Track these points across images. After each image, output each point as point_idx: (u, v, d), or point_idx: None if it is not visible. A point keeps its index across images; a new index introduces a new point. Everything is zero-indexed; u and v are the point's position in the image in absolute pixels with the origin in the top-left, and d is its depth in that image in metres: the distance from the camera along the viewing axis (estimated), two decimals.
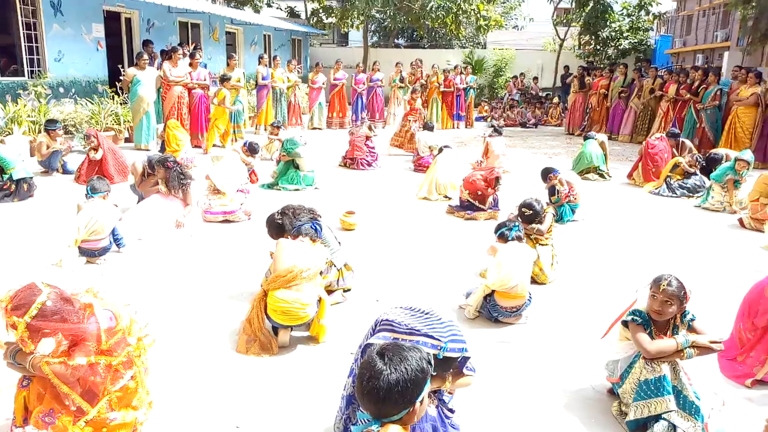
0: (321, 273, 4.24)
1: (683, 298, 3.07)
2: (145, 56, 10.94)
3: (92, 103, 11.24)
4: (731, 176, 7.86)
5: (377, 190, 8.72)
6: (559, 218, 6.92)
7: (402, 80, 16.82)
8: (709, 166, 8.93)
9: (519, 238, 4.53)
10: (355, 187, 8.86)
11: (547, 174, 7.12)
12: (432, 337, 2.43)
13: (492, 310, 4.30)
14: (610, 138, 13.07)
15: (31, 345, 2.48)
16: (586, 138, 10.44)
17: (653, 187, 9.10)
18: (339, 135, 14.06)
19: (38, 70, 11.24)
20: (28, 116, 10.06)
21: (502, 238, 4.53)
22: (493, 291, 4.26)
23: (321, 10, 23.84)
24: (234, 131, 11.99)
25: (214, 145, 11.35)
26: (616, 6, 23.23)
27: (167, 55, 11.35)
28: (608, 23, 22.70)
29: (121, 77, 11.41)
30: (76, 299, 2.64)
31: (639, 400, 3.00)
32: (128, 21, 13.81)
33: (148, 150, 10.50)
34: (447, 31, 23.42)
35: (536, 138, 15.67)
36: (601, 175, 9.95)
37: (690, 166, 9.05)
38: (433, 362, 2.09)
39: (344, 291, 4.67)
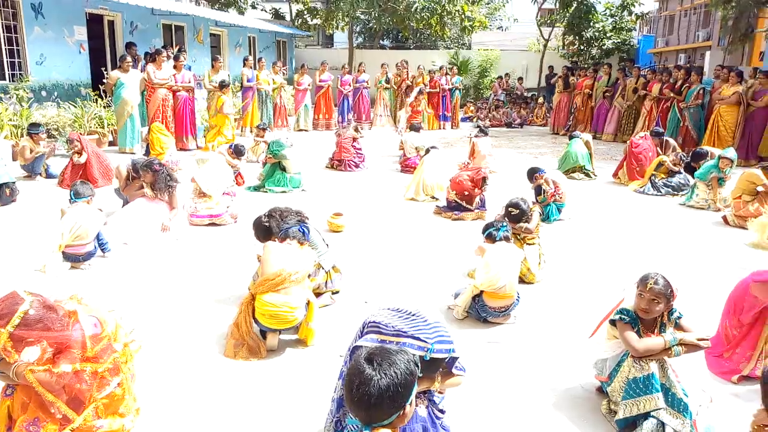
0: (309, 276, 4.23)
1: (670, 297, 3.08)
2: (129, 59, 10.85)
3: (75, 107, 11.12)
4: (715, 174, 7.94)
5: (364, 192, 8.70)
6: (546, 218, 6.96)
7: (388, 81, 16.84)
8: (694, 160, 9.03)
9: (507, 239, 4.54)
10: (342, 189, 8.84)
11: (533, 174, 7.16)
12: (418, 338, 2.43)
13: (480, 311, 4.31)
14: (594, 137, 13.17)
15: (15, 354, 2.44)
16: (571, 137, 10.51)
17: (638, 185, 9.18)
18: (325, 136, 14.04)
19: (20, 74, 11.11)
20: (10, 120, 9.94)
21: (490, 238, 4.54)
22: (482, 291, 4.27)
23: (306, 12, 23.78)
24: None
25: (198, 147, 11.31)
26: (599, 6, 23.42)
27: (151, 57, 11.27)
28: (592, 23, 22.87)
29: (104, 80, 11.31)
30: (59, 306, 2.60)
31: (628, 399, 3.01)
32: (111, 23, 13.68)
33: (132, 153, 10.42)
34: (432, 32, 23.47)
35: (522, 138, 15.75)
36: (587, 174, 10.01)
37: (674, 164, 9.13)
38: (419, 364, 2.08)
39: (333, 293, 4.66)
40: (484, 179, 7.36)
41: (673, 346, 2.99)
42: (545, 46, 23.71)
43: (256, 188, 8.50)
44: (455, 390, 3.03)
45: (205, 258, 5.63)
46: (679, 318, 3.14)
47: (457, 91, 17.67)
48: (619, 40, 23.23)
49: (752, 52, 24.24)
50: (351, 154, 10.35)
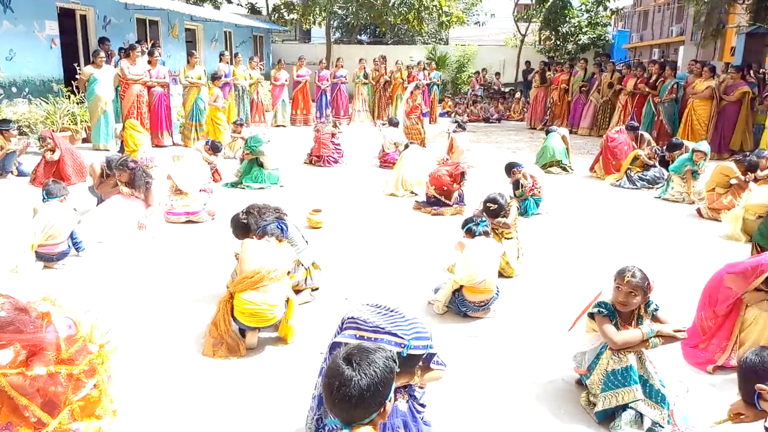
0: (288, 273, 4.20)
1: (647, 289, 3.12)
2: (102, 54, 10.67)
3: (47, 103, 10.89)
4: (689, 167, 8.07)
5: (343, 187, 8.68)
6: (524, 212, 7.00)
7: (366, 77, 16.80)
8: (670, 150, 9.16)
9: (486, 233, 4.55)
10: (321, 185, 8.80)
11: (510, 168, 7.20)
12: (396, 335, 2.43)
13: (461, 305, 4.32)
14: (571, 132, 13.28)
15: None
16: (548, 132, 10.59)
17: (614, 179, 9.28)
18: (303, 132, 13.96)
19: None
20: None
21: (470, 233, 4.55)
22: (462, 286, 4.28)
23: (282, 7, 23.59)
24: (196, 129, 11.80)
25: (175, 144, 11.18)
26: (574, 2, 23.60)
27: (125, 52, 11.09)
28: (567, 19, 23.06)
29: (77, 76, 11.10)
30: (32, 308, 2.55)
31: (607, 391, 3.04)
32: (83, 18, 13.42)
33: (107, 150, 10.25)
34: (409, 27, 23.45)
35: (499, 133, 15.83)
36: (564, 169, 10.10)
37: (649, 158, 9.26)
38: (397, 360, 2.09)
39: (312, 290, 4.63)
40: (462, 174, 7.38)
41: (651, 338, 3.03)
42: (522, 41, 23.85)
43: (234, 185, 8.43)
44: (436, 384, 3.04)
45: (182, 256, 5.56)
46: (655, 310, 3.19)
47: (436, 87, 17.69)
48: (594, 36, 23.47)
49: (724, 47, 24.67)
50: (330, 150, 10.31)
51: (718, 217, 6.99)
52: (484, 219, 4.73)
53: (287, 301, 3.90)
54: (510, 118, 19.00)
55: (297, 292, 4.40)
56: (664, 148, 9.55)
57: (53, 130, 9.23)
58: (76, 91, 11.36)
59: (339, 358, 1.94)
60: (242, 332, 3.84)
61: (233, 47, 20.64)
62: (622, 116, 13.73)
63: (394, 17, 21.50)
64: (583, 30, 23.30)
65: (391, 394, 1.98)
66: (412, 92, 12.48)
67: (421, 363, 2.62)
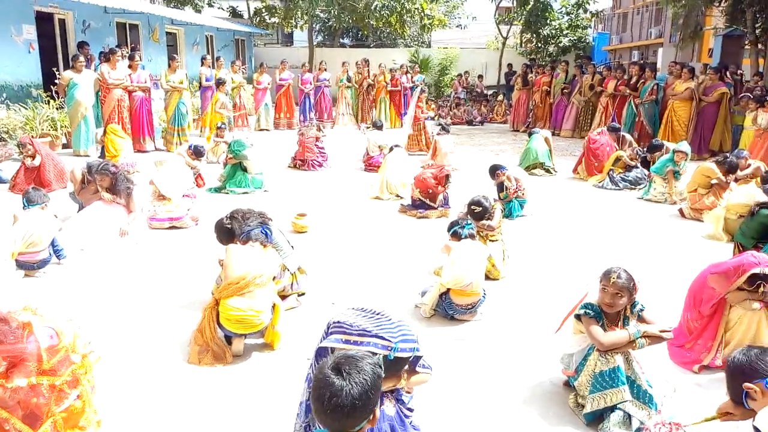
0: (274, 278, 4.17)
1: (632, 290, 3.14)
2: (82, 58, 10.54)
3: (26, 108, 10.72)
4: (671, 168, 8.15)
5: (328, 191, 8.64)
6: (509, 214, 7.03)
7: (349, 80, 16.78)
8: (651, 152, 9.25)
9: (472, 236, 4.56)
10: (305, 189, 8.76)
11: (494, 171, 7.21)
12: (383, 338, 2.41)
13: (448, 308, 4.32)
14: (553, 134, 13.37)
15: None
16: (530, 134, 10.65)
17: (597, 180, 9.36)
18: (287, 136, 13.90)
19: None
20: None
21: (456, 236, 4.55)
22: (449, 289, 4.28)
23: (264, 10, 23.50)
24: (179, 134, 11.70)
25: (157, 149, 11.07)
26: (555, 4, 23.81)
27: (105, 57, 10.97)
28: (548, 21, 23.25)
29: (56, 81, 10.95)
30: (12, 318, 2.49)
31: (595, 392, 3.05)
32: (62, 22, 13.24)
33: (87, 156, 10.11)
34: (392, 30, 23.48)
35: (483, 135, 15.89)
36: (547, 171, 10.16)
37: (631, 159, 9.35)
38: (383, 364, 2.08)
39: (299, 295, 4.60)
40: (447, 177, 7.39)
41: (637, 338, 3.04)
42: (504, 44, 24.00)
43: (217, 190, 8.36)
44: (424, 388, 3.02)
45: (166, 263, 5.49)
46: (641, 311, 3.21)
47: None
48: (575, 38, 23.68)
49: (701, 48, 25.05)
50: (314, 154, 10.27)
51: (701, 217, 7.07)
52: (469, 222, 4.73)
53: (273, 306, 3.87)
54: (493, 120, 19.08)
55: (283, 297, 4.37)
56: (646, 149, 9.65)
57: (33, 136, 9.09)
58: (55, 96, 11.19)
59: (327, 368, 1.92)
60: (228, 339, 3.80)
61: (215, 51, 20.51)
62: (604, 118, 13.84)
63: (377, 20, 21.51)
64: (564, 32, 23.50)
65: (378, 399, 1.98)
66: (419, 98, 12.45)
67: (407, 366, 2.61)
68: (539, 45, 23.95)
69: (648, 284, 4.11)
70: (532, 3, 22.91)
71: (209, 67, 13.93)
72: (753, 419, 2.15)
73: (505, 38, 24.09)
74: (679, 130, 12.06)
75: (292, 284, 4.56)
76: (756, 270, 3.52)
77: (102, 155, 9.40)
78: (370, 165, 10.07)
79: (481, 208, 5.16)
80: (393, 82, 16.75)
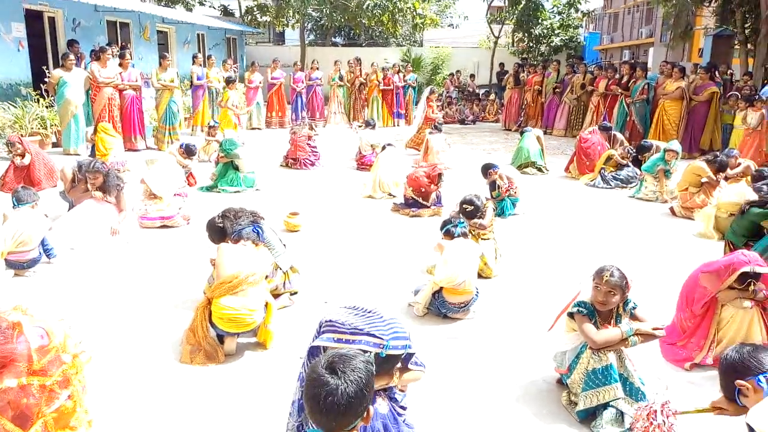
0: (266, 277, 4.15)
1: (625, 288, 3.15)
2: (72, 57, 10.45)
3: (15, 107, 10.63)
4: (662, 167, 8.19)
5: (321, 190, 8.63)
6: (501, 212, 7.04)
7: (341, 79, 16.75)
8: (640, 153, 9.31)
9: (465, 235, 4.56)
10: (297, 188, 8.74)
11: (487, 170, 7.22)
12: (374, 335, 2.42)
13: (441, 307, 4.32)
14: (545, 133, 13.41)
15: None
16: (522, 133, 10.67)
17: (589, 179, 9.39)
18: (279, 135, 13.86)
19: None
20: None
21: (448, 234, 4.55)
22: (441, 288, 4.28)
23: (255, 9, 23.41)
24: (170, 133, 11.64)
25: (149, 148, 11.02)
26: (546, 4, 23.88)
27: (96, 55, 10.89)
28: (540, 21, 23.31)
29: (46, 79, 10.86)
30: (2, 318, 2.47)
31: (588, 390, 3.06)
32: (52, 20, 13.13)
33: (77, 155, 10.04)
34: (384, 29, 23.46)
35: (474, 134, 15.90)
36: (539, 169, 10.18)
37: (622, 158, 9.39)
38: (374, 362, 2.08)
39: (291, 294, 4.59)
40: (440, 175, 7.40)
41: (630, 336, 3.05)
42: (495, 43, 24.05)
43: (209, 188, 8.32)
44: (418, 386, 3.03)
45: (158, 262, 5.46)
46: (633, 308, 3.22)
47: (411, 89, 17.74)
48: (566, 37, 23.75)
49: (692, 48, 25.20)
50: (306, 153, 10.24)
51: (691, 216, 7.11)
52: (462, 220, 4.74)
53: (266, 305, 3.85)
54: (485, 119, 19.11)
55: (276, 296, 4.35)
56: (635, 149, 9.70)
57: (22, 135, 9.01)
58: (45, 94, 11.11)
59: (320, 367, 1.92)
60: (220, 338, 3.78)
61: (206, 49, 20.41)
62: (595, 117, 13.90)
63: (369, 19, 21.48)
64: (556, 32, 23.57)
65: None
66: (428, 98, 12.41)
67: (399, 364, 2.60)
68: (531, 44, 24.01)
69: (640, 282, 4.12)
70: (523, 2, 22.97)
71: (200, 65, 13.86)
72: (746, 416, 2.16)
73: (497, 37, 24.13)
74: (670, 129, 12.13)
75: (284, 283, 4.54)
76: (746, 269, 3.55)
77: (92, 154, 9.33)
78: (363, 164, 10.06)
79: (472, 207, 5.16)
80: (385, 81, 16.73)
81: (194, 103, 13.79)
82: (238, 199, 7.71)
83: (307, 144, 10.30)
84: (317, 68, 16.72)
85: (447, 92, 20.25)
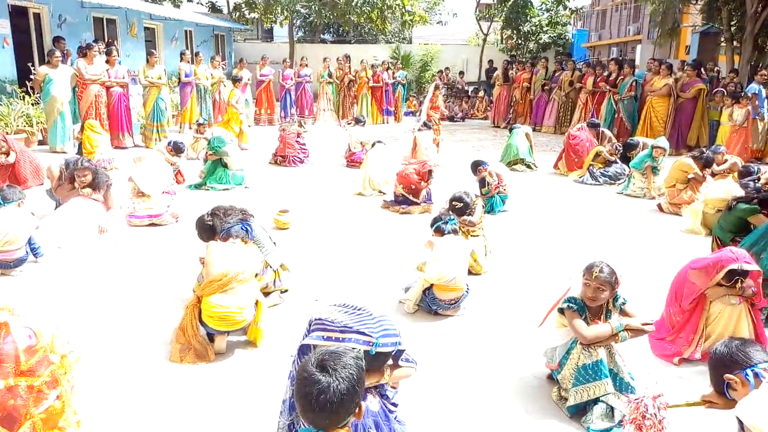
0: (257, 275, 4.14)
1: (615, 284, 3.16)
2: (58, 53, 10.34)
3: (0, 105, 10.51)
4: (649, 163, 8.25)
5: (310, 187, 8.60)
6: (491, 209, 7.06)
7: (330, 76, 16.70)
8: (627, 150, 9.37)
9: (455, 232, 4.57)
10: (287, 185, 8.71)
11: (476, 167, 7.24)
12: (364, 333, 2.41)
13: (431, 303, 4.32)
14: (534, 129, 13.47)
15: None
16: (511, 130, 10.70)
17: (578, 175, 9.44)
18: (268, 132, 13.81)
19: None
20: None
21: (439, 231, 4.55)
22: (432, 284, 4.28)
23: (243, 5, 23.28)
24: (158, 130, 11.56)
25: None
26: (535, 1, 23.92)
27: (82, 52, 10.79)
28: (528, 18, 23.36)
29: (32, 76, 10.74)
30: None
31: (578, 385, 3.08)
32: (37, 16, 12.99)
33: (64, 152, 9.95)
34: (373, 26, 23.42)
35: (464, 131, 15.93)
36: (528, 166, 10.22)
37: (610, 154, 9.44)
38: (364, 359, 2.08)
39: (282, 292, 4.57)
40: (430, 172, 7.40)
41: (620, 331, 3.07)
42: (484, 40, 24.06)
43: (198, 186, 8.27)
44: (409, 383, 3.02)
45: (146, 260, 5.42)
46: (623, 304, 3.24)
47: (401, 86, 17.73)
48: (555, 35, 23.83)
49: (679, 45, 25.38)
50: (295, 150, 10.21)
51: (679, 212, 7.17)
52: (452, 217, 4.74)
53: (256, 303, 3.83)
54: (474, 116, 19.14)
55: (266, 294, 4.34)
56: (623, 146, 9.76)
57: (7, 133, 8.91)
58: (30, 91, 11.00)
59: (311, 366, 1.92)
60: (210, 337, 3.76)
61: (194, 46, 20.28)
62: (583, 114, 13.97)
63: (357, 16, 21.44)
64: (544, 29, 23.64)
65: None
66: (433, 93, 12.38)
67: (390, 361, 2.60)
68: (519, 41, 24.07)
69: (628, 277, 4.15)
70: (512, 0, 22.99)
71: (188, 62, 13.77)
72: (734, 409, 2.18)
73: (486, 35, 24.15)
74: (658, 125, 12.21)
75: (274, 281, 4.53)
76: (734, 266, 3.58)
77: (79, 152, 9.25)
78: (352, 161, 10.04)
79: (462, 204, 5.17)
80: (375, 78, 16.71)
81: (182, 100, 13.70)
82: (227, 196, 7.67)
83: (296, 141, 10.27)
84: (306, 65, 16.67)
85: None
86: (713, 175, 7.71)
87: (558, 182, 9.41)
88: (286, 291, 4.61)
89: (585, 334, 3.08)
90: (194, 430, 2.99)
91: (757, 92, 11.01)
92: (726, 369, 2.27)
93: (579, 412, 3.11)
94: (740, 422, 2.12)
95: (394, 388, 2.75)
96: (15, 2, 12.02)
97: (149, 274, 5.05)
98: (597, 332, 3.09)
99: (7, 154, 7.76)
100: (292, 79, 16.22)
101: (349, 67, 16.95)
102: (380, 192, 8.11)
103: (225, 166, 8.32)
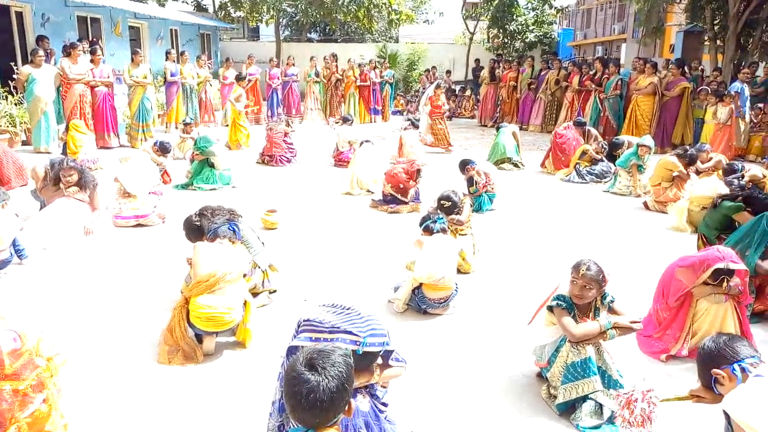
0: (245, 275, 4.11)
1: (602, 282, 3.18)
2: (41, 53, 10.22)
3: None
4: (635, 161, 8.31)
5: (298, 187, 8.57)
6: (478, 208, 7.08)
7: (317, 75, 16.66)
8: (612, 149, 9.43)
9: (444, 231, 4.57)
10: (274, 185, 8.68)
11: (464, 165, 7.26)
12: (351, 332, 2.41)
13: (420, 302, 4.32)
14: (521, 128, 13.50)
15: None
16: (498, 129, 10.74)
17: (564, 174, 9.49)
18: (255, 131, 13.72)
19: None
20: None
21: (428, 230, 4.55)
22: (421, 283, 4.28)
23: (229, 4, 23.14)
24: (143, 130, 11.47)
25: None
26: (521, 0, 24.01)
27: (66, 51, 10.67)
28: (514, 17, 23.43)
29: (14, 76, 10.61)
30: None
31: (567, 383, 3.09)
32: (19, 15, 12.83)
33: (48, 153, 9.83)
34: (359, 25, 23.39)
35: (451, 130, 15.84)
36: (515, 165, 10.26)
37: (596, 153, 9.51)
38: (352, 357, 2.08)
39: (270, 293, 4.55)
40: (418, 171, 7.41)
41: (608, 329, 3.09)
42: (471, 39, 24.12)
43: (184, 186, 8.22)
44: (399, 382, 3.02)
45: (133, 261, 5.37)
46: (611, 302, 3.26)
47: (388, 85, 17.71)
48: (540, 33, 23.92)
49: (663, 44, 25.59)
50: (282, 149, 10.17)
51: (665, 209, 7.23)
52: (441, 216, 4.74)
53: (244, 303, 3.82)
54: (461, 115, 19.18)
55: (254, 295, 4.32)
56: (608, 144, 9.83)
57: None
58: (13, 91, 10.86)
59: (299, 365, 1.91)
60: (199, 338, 3.74)
61: (179, 45, 20.13)
62: (570, 113, 14.04)
63: (344, 15, 21.41)
64: (530, 28, 23.72)
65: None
66: (434, 91, 12.37)
67: (380, 360, 2.60)
68: (506, 40, 24.13)
69: (615, 274, 4.18)
70: None
71: (174, 61, 13.67)
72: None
73: (472, 33, 24.20)
74: (643, 124, 12.30)
75: (263, 282, 4.51)
76: (720, 265, 3.61)
77: (64, 152, 9.15)
78: (340, 160, 10.02)
79: (450, 203, 5.18)
80: (362, 77, 16.68)
81: (168, 100, 13.60)
82: (214, 196, 7.63)
83: (284, 140, 10.24)
84: (293, 64, 16.61)
85: (423, 88, 20.28)
86: (698, 172, 7.79)
87: (545, 181, 9.45)
88: (274, 291, 4.60)
89: (573, 331, 3.10)
90: None
91: (739, 91, 11.14)
92: (714, 364, 2.30)
93: (568, 409, 3.13)
94: (727, 416, 2.14)
95: (384, 387, 2.75)
96: None
97: (136, 276, 5.01)
98: (585, 330, 3.10)
99: None
100: (278, 78, 16.15)
101: (336, 66, 16.92)
102: (368, 191, 8.10)
103: (212, 166, 8.28)
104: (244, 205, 6.28)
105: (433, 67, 21.60)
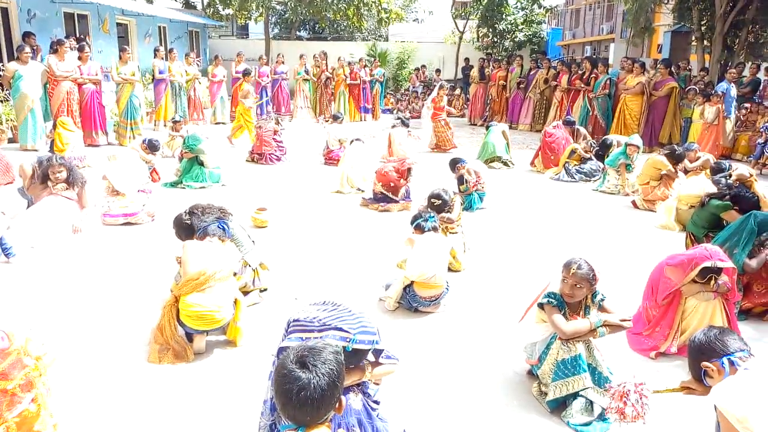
0: (235, 274, 4.10)
1: (593, 280, 3.20)
2: (27, 49, 10.11)
3: None
4: (623, 160, 8.37)
5: (288, 185, 8.55)
6: (469, 206, 7.10)
7: (307, 73, 16.63)
8: (602, 149, 9.49)
9: (435, 229, 4.58)
10: (264, 183, 8.65)
11: (454, 164, 7.28)
12: (341, 329, 2.41)
13: (412, 300, 4.33)
14: (511, 127, 13.55)
15: None
16: (488, 128, 10.77)
17: (554, 173, 9.54)
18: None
19: None
20: None
21: (419, 229, 4.56)
22: (412, 282, 4.29)
23: (218, 1, 23.02)
24: (131, 128, 11.40)
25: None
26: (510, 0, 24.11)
27: (53, 48, 10.57)
28: (504, 16, 23.52)
29: (0, 73, 10.49)
30: None
31: (557, 380, 3.11)
32: (4, 11, 12.69)
33: (35, 150, 9.74)
34: (349, 23, 23.36)
35: None
36: (505, 164, 10.29)
37: (585, 151, 9.56)
38: (342, 354, 2.08)
39: (261, 291, 4.53)
40: (409, 170, 7.41)
41: (598, 327, 3.11)
42: (460, 38, 24.17)
43: (174, 184, 8.17)
44: (390, 380, 3.02)
45: (122, 260, 5.33)
46: (602, 300, 3.27)
47: (378, 84, 17.70)
48: (530, 33, 24.02)
49: (651, 44, 25.79)
50: (272, 147, 10.14)
51: (653, 208, 7.29)
52: (432, 214, 4.75)
53: (235, 302, 3.80)
54: (450, 114, 19.16)
55: (245, 293, 4.30)
56: (598, 144, 9.89)
57: None
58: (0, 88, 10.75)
59: (290, 362, 1.90)
60: (189, 336, 3.72)
61: (168, 43, 20.00)
62: (559, 112, 14.11)
63: (334, 13, 21.37)
64: (519, 27, 23.81)
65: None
66: (438, 93, 12.37)
67: (372, 358, 2.60)
68: (495, 40, 24.21)
69: (604, 272, 4.21)
70: None
71: (162, 59, 13.58)
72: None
73: (462, 33, 24.26)
74: (631, 123, 12.39)
75: (254, 280, 4.49)
76: (708, 263, 3.64)
77: (51, 149, 9.07)
78: (330, 159, 10.01)
79: (440, 201, 5.19)
80: (352, 76, 16.66)
81: (156, 97, 13.51)
82: (204, 195, 7.60)
83: (273, 138, 10.20)
84: (283, 62, 16.56)
85: (413, 87, 20.29)
86: (686, 171, 7.86)
87: (534, 179, 9.49)
88: (265, 290, 4.58)
89: (564, 329, 3.12)
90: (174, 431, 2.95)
91: (725, 91, 11.24)
92: (704, 357, 2.33)
93: (559, 406, 3.15)
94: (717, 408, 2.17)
95: (376, 384, 2.75)
96: None
97: (125, 274, 4.97)
98: (576, 327, 3.12)
99: None
100: (268, 76, 16.10)
101: (326, 64, 16.89)
102: (359, 190, 8.09)
103: (201, 164, 8.24)
104: (233, 203, 6.25)
105: (423, 66, 21.62)
